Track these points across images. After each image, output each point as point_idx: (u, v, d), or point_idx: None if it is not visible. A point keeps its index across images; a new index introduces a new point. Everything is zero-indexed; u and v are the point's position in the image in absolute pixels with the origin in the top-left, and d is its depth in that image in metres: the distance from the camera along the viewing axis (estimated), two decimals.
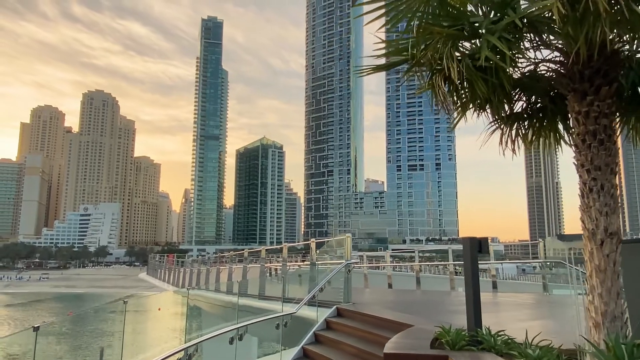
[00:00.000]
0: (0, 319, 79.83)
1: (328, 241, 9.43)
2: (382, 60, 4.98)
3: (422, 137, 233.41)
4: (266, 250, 13.29)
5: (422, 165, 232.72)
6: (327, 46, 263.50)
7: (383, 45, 4.69)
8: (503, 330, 4.60)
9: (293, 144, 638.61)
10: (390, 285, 15.37)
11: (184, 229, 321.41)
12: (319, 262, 9.26)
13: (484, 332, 4.59)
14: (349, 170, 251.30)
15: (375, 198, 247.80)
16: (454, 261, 14.83)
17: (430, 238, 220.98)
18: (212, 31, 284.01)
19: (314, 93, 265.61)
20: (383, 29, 4.46)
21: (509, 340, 4.44)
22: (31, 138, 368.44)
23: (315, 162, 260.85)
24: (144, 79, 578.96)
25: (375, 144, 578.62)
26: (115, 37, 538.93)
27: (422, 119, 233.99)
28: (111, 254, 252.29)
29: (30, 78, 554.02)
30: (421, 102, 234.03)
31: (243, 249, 17.63)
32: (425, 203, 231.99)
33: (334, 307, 7.85)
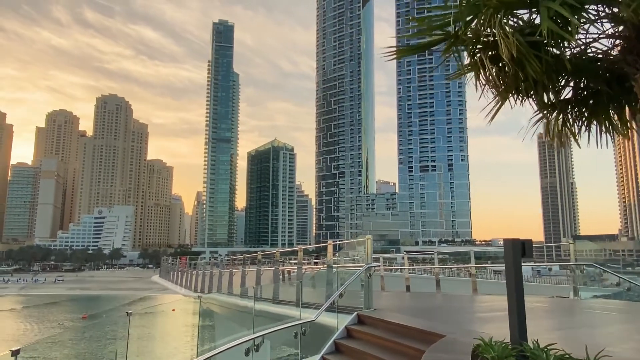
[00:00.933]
0: (17, 320, 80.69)
1: (348, 242, 8.87)
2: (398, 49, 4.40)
3: (434, 138, 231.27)
4: (280, 252, 12.76)
5: (434, 166, 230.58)
6: (338, 47, 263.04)
7: (395, 38, 4.05)
8: (553, 344, 3.95)
9: (303, 145, 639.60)
10: (408, 288, 14.78)
11: (197, 232, 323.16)
12: (336, 265, 8.78)
13: (532, 346, 3.98)
14: (360, 171, 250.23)
15: (387, 199, 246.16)
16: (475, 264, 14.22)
17: (443, 240, 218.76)
18: (223, 34, 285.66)
19: (324, 95, 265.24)
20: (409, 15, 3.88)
21: (566, 356, 3.76)
22: (46, 142, 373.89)
23: (326, 164, 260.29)
24: (155, 82, 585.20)
25: (386, 145, 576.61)
26: (127, 42, 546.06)
27: (433, 120, 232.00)
28: (125, 256, 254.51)
29: (45, 83, 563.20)
30: (433, 102, 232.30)
31: (256, 251, 17.19)
32: (438, 204, 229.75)
33: (355, 313, 7.32)
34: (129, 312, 9.89)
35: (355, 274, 7.58)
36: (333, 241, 9.27)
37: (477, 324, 6.89)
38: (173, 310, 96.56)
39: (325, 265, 8.92)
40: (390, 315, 7.41)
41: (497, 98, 4.29)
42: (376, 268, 14.57)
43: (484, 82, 3.87)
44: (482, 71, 3.86)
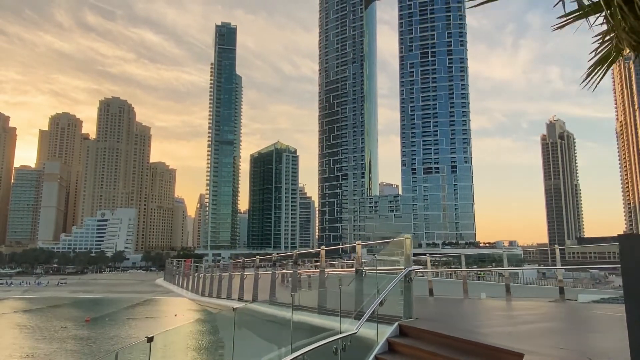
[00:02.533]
0: (19, 323, 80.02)
1: (389, 242, 7.92)
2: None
3: (437, 140, 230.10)
4: (299, 254, 11.87)
5: (438, 168, 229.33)
6: (340, 49, 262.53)
7: None
8: None
9: (306, 148, 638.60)
10: (431, 292, 13.91)
11: (199, 234, 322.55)
12: (366, 268, 7.94)
13: None
14: (363, 174, 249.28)
15: (390, 202, 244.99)
16: (499, 267, 13.37)
17: (447, 242, 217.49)
18: (225, 37, 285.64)
19: (327, 97, 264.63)
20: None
21: None
22: (49, 145, 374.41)
23: (329, 166, 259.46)
24: (157, 86, 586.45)
25: (388, 147, 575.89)
26: (128, 46, 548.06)
27: (437, 122, 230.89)
28: (128, 259, 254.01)
29: (48, 87, 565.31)
30: (436, 104, 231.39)
31: (259, 254, 16.30)
32: (441, 206, 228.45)
33: (396, 324, 6.43)
34: (235, 307, 9.00)
35: (396, 278, 6.65)
36: (362, 242, 8.36)
37: (548, 337, 5.85)
38: (175, 315, 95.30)
39: (354, 269, 8.00)
40: (435, 324, 6.60)
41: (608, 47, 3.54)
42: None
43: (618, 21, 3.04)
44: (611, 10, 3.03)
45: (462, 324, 7.53)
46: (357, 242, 8.32)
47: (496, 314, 8.85)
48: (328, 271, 11.63)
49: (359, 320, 5.87)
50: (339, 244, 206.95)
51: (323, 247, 9.26)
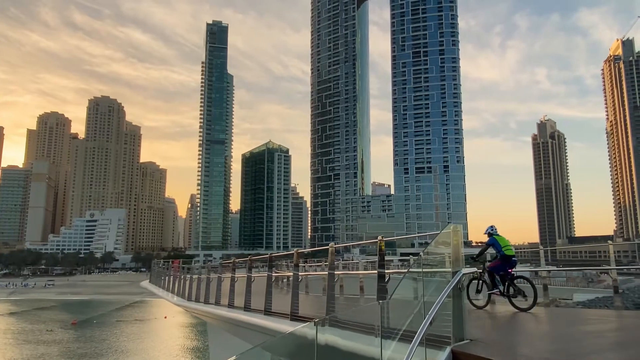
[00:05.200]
0: (3, 327, 77.33)
1: (427, 235, 6.01)
2: None
3: (429, 139, 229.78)
4: (299, 253, 10.13)
5: (430, 167, 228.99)
6: (333, 49, 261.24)
7: None
8: None
9: (296, 148, 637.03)
10: None
11: (190, 234, 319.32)
12: (390, 271, 6.31)
13: None
14: (355, 173, 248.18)
15: (383, 201, 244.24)
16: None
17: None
18: (217, 35, 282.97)
19: (319, 96, 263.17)
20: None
21: None
22: (37, 144, 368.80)
23: (321, 166, 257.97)
24: (146, 85, 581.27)
25: (379, 148, 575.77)
26: (116, 45, 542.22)
27: (429, 121, 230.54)
28: (117, 259, 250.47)
29: (35, 86, 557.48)
30: (428, 104, 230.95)
31: (251, 254, 14.68)
32: (434, 206, 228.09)
33: (447, 349, 4.72)
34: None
35: (448, 285, 4.85)
36: (384, 238, 6.53)
37: None
38: (165, 317, 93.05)
39: (376, 271, 6.30)
40: (507, 353, 4.88)
41: None
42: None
43: None
44: None
45: (539, 348, 5.28)
46: (378, 238, 6.52)
47: (571, 331, 6.72)
48: (339, 273, 10.00)
49: (397, 341, 4.10)
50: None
51: (332, 243, 7.49)
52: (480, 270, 9.08)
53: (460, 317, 5.11)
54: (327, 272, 7.89)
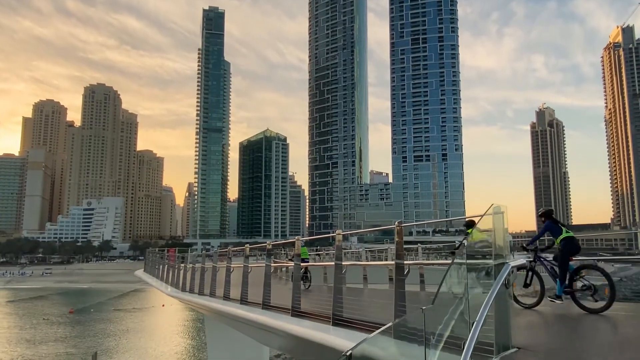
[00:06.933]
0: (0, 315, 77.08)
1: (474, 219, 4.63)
2: None
3: (427, 128, 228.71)
4: (303, 241, 9.41)
5: (428, 156, 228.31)
6: (331, 35, 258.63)
7: None
8: None
9: (294, 137, 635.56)
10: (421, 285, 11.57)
11: (188, 223, 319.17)
12: (409, 262, 5.60)
13: None
14: (353, 161, 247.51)
15: (381, 190, 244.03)
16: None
17: (437, 230, 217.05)
18: (213, 22, 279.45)
19: (317, 84, 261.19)
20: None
21: None
22: (33, 132, 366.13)
23: (319, 154, 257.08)
24: (141, 73, 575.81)
25: (377, 136, 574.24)
26: (110, 32, 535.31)
27: (427, 109, 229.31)
28: (115, 248, 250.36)
29: (29, 74, 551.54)
30: (427, 91, 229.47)
31: (249, 242, 13.91)
32: (432, 194, 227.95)
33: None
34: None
35: (496, 281, 4.08)
36: (402, 224, 5.51)
37: None
38: (163, 305, 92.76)
39: (394, 262, 5.48)
40: None
41: None
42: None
43: None
44: None
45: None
46: (395, 223, 5.64)
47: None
48: (346, 264, 9.33)
49: (438, 350, 3.46)
50: (329, 232, 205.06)
51: (339, 230, 6.72)
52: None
53: (505, 320, 4.25)
54: (333, 263, 7.13)
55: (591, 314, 6.68)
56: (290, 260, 14.04)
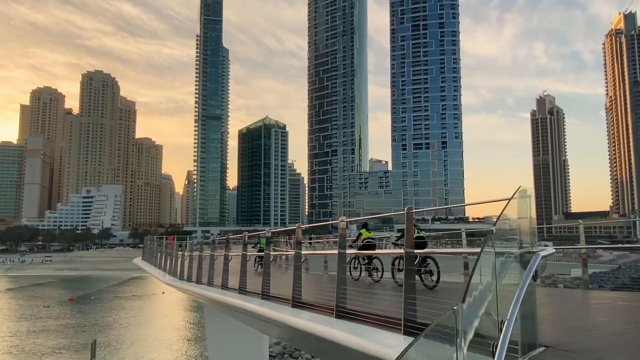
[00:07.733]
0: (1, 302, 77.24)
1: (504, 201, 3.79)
2: None
3: (427, 115, 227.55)
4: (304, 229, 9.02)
5: (428, 143, 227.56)
6: (330, 22, 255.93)
7: None
8: None
9: (292, 124, 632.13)
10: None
11: (188, 211, 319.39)
12: (425, 251, 5.11)
13: None
14: (353, 149, 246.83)
15: (380, 178, 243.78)
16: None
17: (437, 217, 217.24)
18: (212, 7, 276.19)
19: (316, 71, 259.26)
20: None
21: None
22: (31, 120, 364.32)
23: (319, 142, 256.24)
24: (138, 60, 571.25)
25: (377, 124, 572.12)
26: (107, 18, 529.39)
27: (427, 97, 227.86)
28: (114, 236, 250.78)
29: (26, 61, 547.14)
30: (427, 79, 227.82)
31: (249, 230, 13.55)
32: (431, 182, 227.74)
33: None
34: None
35: (526, 273, 3.65)
36: (413, 209, 5.04)
37: None
38: (163, 293, 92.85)
39: (402, 251, 5.01)
40: None
41: None
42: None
43: None
44: None
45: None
46: (406, 209, 5.13)
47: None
48: (350, 252, 9.02)
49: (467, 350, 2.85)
50: (328, 220, 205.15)
51: (343, 217, 6.33)
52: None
53: (532, 316, 3.83)
54: (337, 251, 6.76)
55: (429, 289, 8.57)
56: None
